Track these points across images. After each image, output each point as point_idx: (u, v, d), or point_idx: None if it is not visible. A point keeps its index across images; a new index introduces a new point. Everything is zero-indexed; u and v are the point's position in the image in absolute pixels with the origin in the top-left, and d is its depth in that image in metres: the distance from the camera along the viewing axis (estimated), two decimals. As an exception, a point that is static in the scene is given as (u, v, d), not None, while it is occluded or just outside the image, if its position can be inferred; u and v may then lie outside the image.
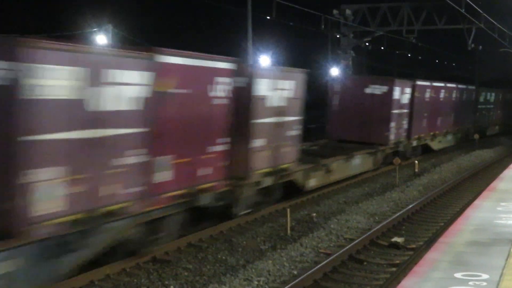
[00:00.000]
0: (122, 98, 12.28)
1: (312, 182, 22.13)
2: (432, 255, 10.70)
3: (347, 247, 15.12)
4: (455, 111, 42.81)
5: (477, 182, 27.40)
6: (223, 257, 14.75)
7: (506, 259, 10.35)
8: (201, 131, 15.10)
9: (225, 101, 15.96)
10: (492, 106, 56.67)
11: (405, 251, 15.65)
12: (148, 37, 44.18)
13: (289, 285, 12.17)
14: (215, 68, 15.62)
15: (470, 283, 9.09)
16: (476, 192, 23.33)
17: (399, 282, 9.98)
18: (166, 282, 12.89)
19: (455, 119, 42.91)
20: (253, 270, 13.45)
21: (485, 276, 9.42)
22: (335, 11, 42.44)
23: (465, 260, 10.30)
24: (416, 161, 30.49)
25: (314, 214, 19.54)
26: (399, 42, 51.36)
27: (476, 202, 16.20)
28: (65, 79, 10.88)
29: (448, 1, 29.09)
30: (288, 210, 17.58)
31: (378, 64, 64.00)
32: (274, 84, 18.88)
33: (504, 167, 26.71)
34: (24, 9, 53.72)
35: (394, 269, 14.07)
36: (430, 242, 15.57)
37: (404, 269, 13.60)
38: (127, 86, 12.39)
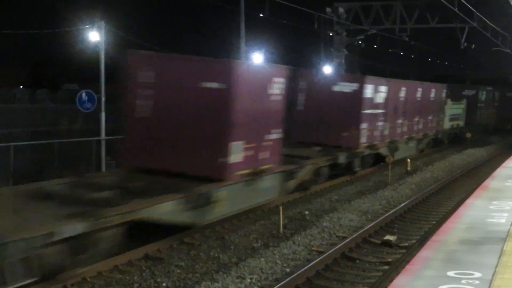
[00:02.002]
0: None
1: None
2: (424, 253, 10.71)
3: (340, 245, 15.13)
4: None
5: (469, 180, 27.46)
6: (216, 255, 14.74)
7: (499, 258, 10.37)
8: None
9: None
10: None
11: (398, 249, 15.67)
12: (141, 34, 44.11)
13: (282, 283, 12.17)
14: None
15: (463, 281, 9.09)
16: (469, 190, 23.39)
17: (391, 280, 10.00)
18: (159, 280, 12.87)
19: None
20: (246, 268, 13.44)
21: (477, 274, 9.43)
22: (328, 9, 42.52)
23: (457, 258, 10.31)
24: (409, 160, 30.53)
25: (307, 212, 19.54)
26: (392, 40, 51.41)
27: (469, 200, 16.23)
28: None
29: (441, 0, 29.12)
30: (281, 208, 17.59)
31: (371, 62, 64.06)
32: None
33: (496, 165, 26.76)
34: (17, 6, 53.60)
35: (386, 267, 14.09)
36: (422, 241, 15.59)
37: (396, 267, 13.62)
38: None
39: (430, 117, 38.12)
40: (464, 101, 48.29)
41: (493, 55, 57.84)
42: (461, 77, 73.57)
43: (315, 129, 26.68)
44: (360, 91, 27.23)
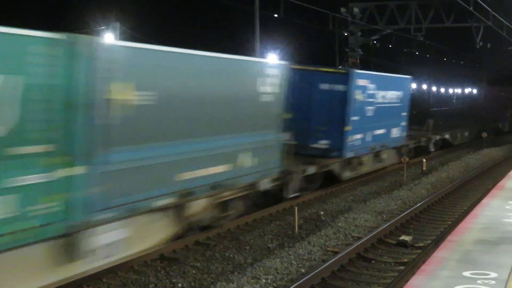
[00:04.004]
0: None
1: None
2: (440, 253, 10.69)
3: (355, 245, 15.10)
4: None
5: (485, 180, 27.34)
6: (231, 255, 14.76)
7: (515, 258, 10.33)
8: None
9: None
10: None
11: (413, 250, 15.63)
12: (156, 35, 44.19)
13: (297, 283, 12.17)
14: None
15: (479, 281, 9.07)
16: (484, 190, 23.29)
17: (407, 281, 9.98)
18: (174, 280, 12.91)
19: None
20: (261, 268, 13.46)
21: (493, 274, 9.41)
22: (342, 9, 42.45)
23: (473, 258, 10.29)
24: (424, 160, 30.43)
25: (322, 212, 19.54)
26: (407, 40, 51.28)
27: (484, 200, 16.18)
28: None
29: (456, -1, 29.02)
30: (296, 208, 17.58)
31: (386, 62, 63.96)
32: None
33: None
34: (31, 6, 53.83)
35: (402, 267, 14.05)
36: (438, 241, 15.54)
37: (412, 267, 13.58)
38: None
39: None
40: None
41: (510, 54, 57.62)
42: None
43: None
44: None
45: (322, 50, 58.13)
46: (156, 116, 12.89)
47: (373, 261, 14.63)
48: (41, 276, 10.80)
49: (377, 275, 13.63)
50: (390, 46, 50.06)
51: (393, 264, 14.48)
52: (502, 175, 24.65)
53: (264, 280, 12.72)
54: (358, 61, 43.96)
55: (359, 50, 44.35)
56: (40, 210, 10.20)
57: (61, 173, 10.52)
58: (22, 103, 9.78)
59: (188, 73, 14.10)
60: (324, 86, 23.61)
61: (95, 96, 11.07)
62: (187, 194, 14.00)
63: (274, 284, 12.62)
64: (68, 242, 11.09)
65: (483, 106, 64.78)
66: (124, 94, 11.85)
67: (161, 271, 13.46)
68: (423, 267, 10.08)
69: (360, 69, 37.31)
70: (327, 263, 13.55)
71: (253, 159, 16.70)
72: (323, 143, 23.34)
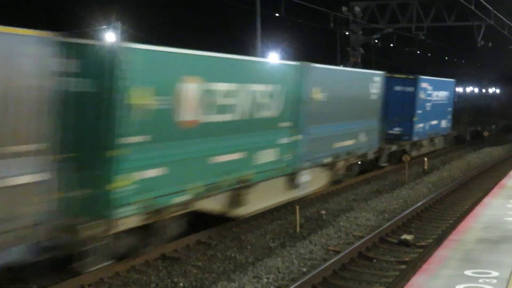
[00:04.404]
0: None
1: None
2: (441, 252, 10.69)
3: (356, 244, 15.10)
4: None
5: (486, 179, 27.33)
6: (232, 255, 14.76)
7: (516, 257, 10.32)
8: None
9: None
10: None
11: (415, 249, 15.62)
12: (157, 34, 44.21)
13: (298, 283, 12.17)
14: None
15: (480, 280, 9.07)
16: (486, 189, 23.28)
17: (408, 280, 9.97)
18: (175, 280, 12.91)
19: None
20: (262, 268, 13.45)
21: (495, 273, 9.40)
22: (344, 8, 42.44)
23: (474, 257, 10.28)
24: (426, 159, 30.43)
25: (323, 212, 19.52)
26: (408, 39, 51.25)
27: (486, 199, 16.17)
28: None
29: (458, -2, 28.99)
30: (297, 207, 17.58)
31: (387, 61, 63.94)
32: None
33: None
34: (32, 5, 53.85)
35: (403, 266, 14.05)
36: (439, 240, 15.54)
37: (413, 266, 13.58)
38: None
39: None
40: None
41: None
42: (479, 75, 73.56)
43: None
44: None
45: (323, 49, 58.12)
46: (327, 108, 20.95)
47: (374, 260, 14.62)
48: (280, 195, 18.63)
49: (378, 274, 13.63)
50: (392, 45, 50.07)
51: (394, 263, 14.47)
52: (504, 174, 24.64)
53: (265, 280, 12.72)
54: (360, 60, 43.93)
55: (361, 49, 44.32)
56: (286, 157, 18.44)
57: (293, 138, 18.82)
58: (290, 102, 18.61)
59: (339, 82, 22.45)
60: (398, 88, 31.74)
61: (305, 97, 19.31)
62: (336, 157, 22.09)
63: (276, 284, 12.62)
64: (292, 177, 19.21)
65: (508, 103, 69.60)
66: (317, 95, 20.16)
67: (163, 271, 13.45)
68: (425, 266, 10.07)
69: (362, 68, 37.52)
70: (329, 262, 13.55)
71: (365, 138, 24.78)
72: (397, 130, 31.54)
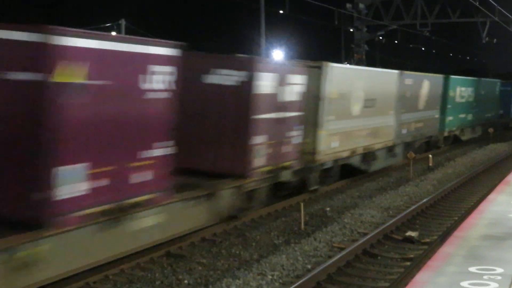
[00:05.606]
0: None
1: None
2: (446, 249, 10.66)
3: (361, 241, 15.09)
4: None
5: (491, 176, 27.29)
6: (237, 252, 14.76)
7: (521, 253, 10.30)
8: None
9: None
10: None
11: (419, 245, 15.61)
12: (161, 31, 44.23)
13: (303, 280, 12.17)
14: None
15: (485, 277, 9.05)
16: (491, 186, 23.23)
17: (413, 277, 9.95)
18: (180, 277, 12.91)
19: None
20: (267, 265, 13.46)
21: (499, 270, 9.38)
22: (348, 5, 42.42)
23: (479, 254, 10.26)
24: (430, 155, 30.40)
25: (328, 209, 19.52)
26: (413, 35, 51.19)
27: (491, 196, 16.13)
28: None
29: (462, -6, 28.93)
30: (302, 204, 17.57)
31: (392, 58, 63.88)
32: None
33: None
34: (36, 5, 53.92)
35: (408, 263, 14.04)
36: (444, 236, 15.52)
37: (418, 263, 13.57)
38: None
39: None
40: None
41: None
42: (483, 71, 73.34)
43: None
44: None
45: (327, 46, 58.07)
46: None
47: (379, 257, 14.61)
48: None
49: (383, 271, 13.62)
50: (396, 41, 49.99)
51: (399, 260, 14.46)
52: (509, 170, 24.58)
53: (270, 277, 12.72)
54: (364, 56, 43.89)
55: (365, 45, 44.28)
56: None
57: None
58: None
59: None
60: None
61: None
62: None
63: (280, 281, 12.62)
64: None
65: None
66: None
67: (167, 268, 13.46)
68: (429, 263, 10.05)
69: (366, 65, 37.47)
70: (333, 259, 13.54)
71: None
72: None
